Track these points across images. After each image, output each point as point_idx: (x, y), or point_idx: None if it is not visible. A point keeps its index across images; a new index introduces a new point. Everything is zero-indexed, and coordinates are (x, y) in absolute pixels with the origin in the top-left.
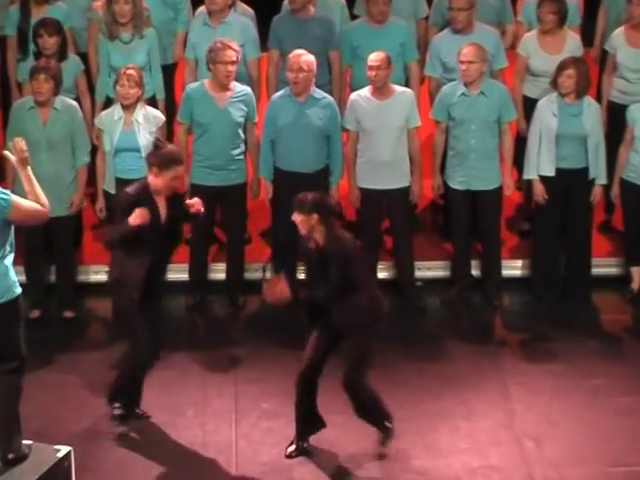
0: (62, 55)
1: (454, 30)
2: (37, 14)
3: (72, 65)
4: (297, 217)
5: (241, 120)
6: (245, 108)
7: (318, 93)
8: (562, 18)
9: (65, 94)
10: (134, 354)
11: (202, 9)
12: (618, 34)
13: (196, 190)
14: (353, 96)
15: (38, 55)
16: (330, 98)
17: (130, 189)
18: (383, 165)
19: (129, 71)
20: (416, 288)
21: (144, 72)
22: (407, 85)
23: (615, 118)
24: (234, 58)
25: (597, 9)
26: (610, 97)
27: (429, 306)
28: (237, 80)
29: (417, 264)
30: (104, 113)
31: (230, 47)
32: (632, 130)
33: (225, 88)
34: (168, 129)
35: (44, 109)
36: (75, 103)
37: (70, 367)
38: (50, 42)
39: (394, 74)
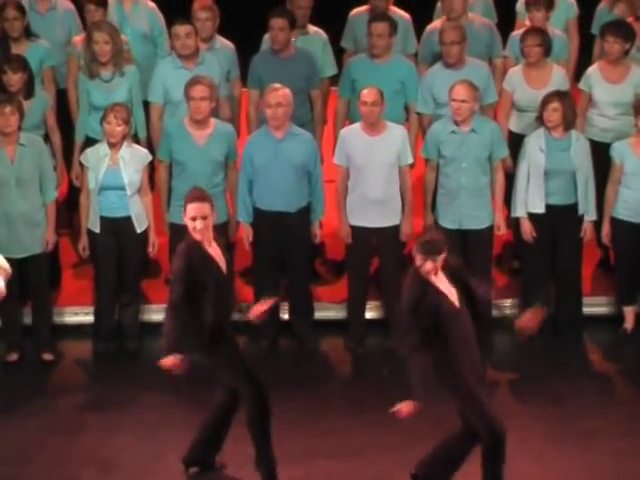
0: (29, 92)
1: (446, 64)
2: (17, 51)
3: (40, 101)
4: (430, 264)
5: (221, 158)
6: (225, 146)
7: (296, 129)
8: (546, 50)
9: (34, 131)
10: (249, 405)
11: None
12: (593, 71)
13: (175, 229)
14: (344, 131)
15: (4, 92)
16: (309, 134)
17: (183, 256)
18: (373, 202)
19: (116, 108)
20: None
21: None
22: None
23: (598, 157)
24: (204, 94)
25: (591, 44)
26: (591, 136)
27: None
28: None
29: None
30: (89, 150)
31: (201, 83)
32: (620, 167)
33: (203, 125)
34: (150, 166)
35: (10, 146)
36: (39, 137)
37: (49, 410)
38: (14, 79)
39: (393, 112)
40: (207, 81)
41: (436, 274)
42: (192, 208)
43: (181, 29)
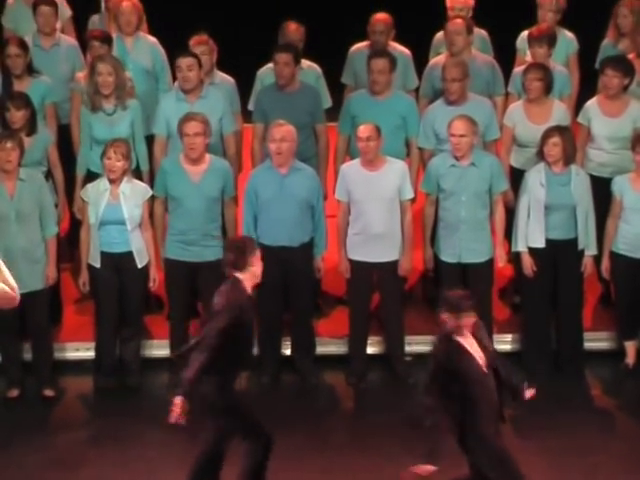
0: (31, 129)
1: (447, 101)
2: (19, 88)
3: (42, 138)
4: (469, 319)
5: (216, 194)
6: (221, 182)
7: (299, 164)
8: (547, 86)
9: (36, 167)
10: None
11: (176, 84)
12: (592, 105)
13: (170, 265)
14: (344, 167)
15: (7, 128)
16: (311, 169)
17: (234, 292)
18: (374, 237)
19: (116, 144)
20: (406, 363)
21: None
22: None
23: (596, 191)
24: (198, 130)
25: (593, 79)
26: (589, 170)
27: (419, 382)
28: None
29: (407, 338)
30: (90, 185)
31: (194, 119)
32: (620, 202)
33: (197, 161)
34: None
35: (10, 182)
36: (39, 173)
37: (49, 446)
38: (17, 115)
39: (394, 147)
40: (201, 117)
41: (461, 333)
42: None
43: (183, 61)
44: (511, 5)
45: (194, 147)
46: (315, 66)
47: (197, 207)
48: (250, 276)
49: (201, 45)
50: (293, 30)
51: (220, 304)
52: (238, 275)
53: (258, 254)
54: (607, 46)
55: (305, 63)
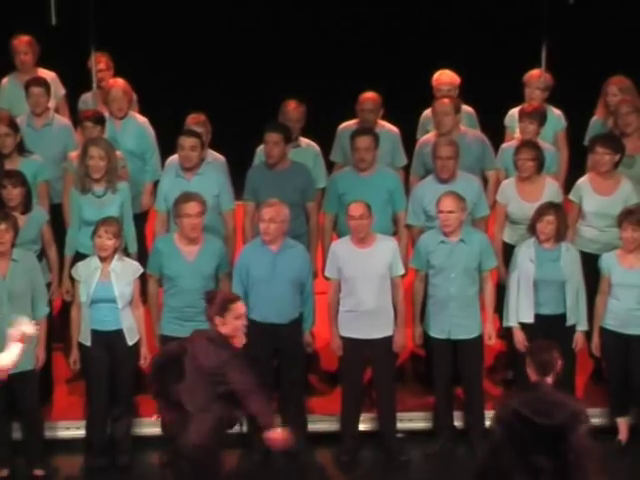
0: (26, 207)
1: (439, 179)
2: (9, 167)
3: (37, 216)
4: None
5: (211, 273)
6: (216, 260)
7: (289, 241)
8: (540, 164)
9: (30, 245)
10: None
11: (172, 159)
12: (583, 183)
13: (166, 342)
14: (334, 244)
15: (2, 206)
16: (301, 246)
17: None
18: (366, 314)
19: (107, 222)
20: (398, 440)
21: None
22: (395, 234)
23: (586, 267)
24: (199, 210)
25: (581, 156)
26: (579, 246)
27: (412, 459)
28: (209, 231)
29: (398, 415)
30: (81, 263)
31: (194, 199)
32: (608, 278)
33: (193, 241)
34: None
35: (2, 262)
36: (32, 253)
37: None
38: (14, 193)
39: (381, 222)
40: (199, 197)
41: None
42: (241, 307)
43: (187, 141)
44: (498, 83)
45: (196, 227)
46: (314, 144)
47: (192, 286)
48: (232, 329)
49: (198, 124)
50: (292, 108)
51: (217, 359)
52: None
53: (239, 310)
54: (596, 123)
55: (304, 141)
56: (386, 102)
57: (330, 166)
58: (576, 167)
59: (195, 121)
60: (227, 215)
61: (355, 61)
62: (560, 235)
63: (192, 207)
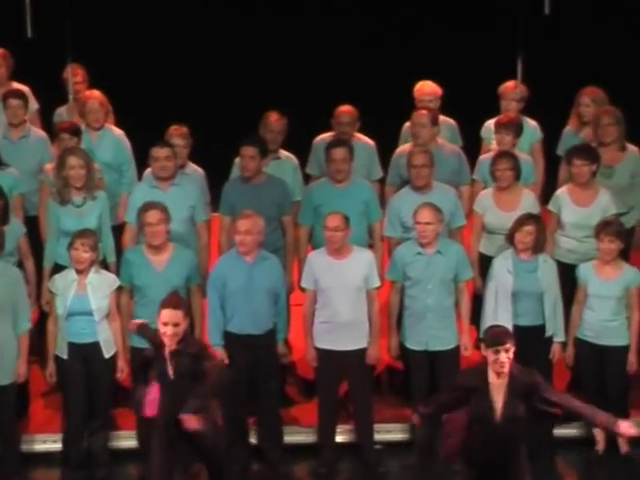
0: (4, 219)
1: (414, 188)
2: None
3: (14, 228)
4: (506, 355)
5: (181, 283)
6: (186, 271)
7: (265, 253)
8: (517, 175)
9: (7, 258)
10: None
11: (150, 171)
12: (562, 194)
13: (136, 353)
14: (311, 255)
15: None
16: (275, 257)
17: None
18: (341, 326)
19: (83, 234)
20: (376, 452)
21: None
22: (371, 245)
23: (563, 278)
24: (159, 217)
25: (555, 166)
26: (557, 256)
27: (390, 471)
28: (182, 242)
29: (376, 427)
30: (58, 276)
31: (155, 207)
32: (585, 289)
33: (160, 250)
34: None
35: None
36: (15, 267)
37: None
38: None
39: (357, 233)
40: (160, 205)
41: (507, 368)
42: (165, 314)
43: (161, 152)
44: (473, 95)
45: (157, 235)
46: (293, 157)
47: (161, 296)
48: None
49: (182, 137)
50: (275, 120)
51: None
52: None
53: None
54: (569, 134)
55: (283, 154)
56: (362, 115)
57: (307, 179)
58: (551, 177)
59: (177, 133)
60: (200, 227)
61: (331, 74)
62: (538, 246)
63: (153, 215)
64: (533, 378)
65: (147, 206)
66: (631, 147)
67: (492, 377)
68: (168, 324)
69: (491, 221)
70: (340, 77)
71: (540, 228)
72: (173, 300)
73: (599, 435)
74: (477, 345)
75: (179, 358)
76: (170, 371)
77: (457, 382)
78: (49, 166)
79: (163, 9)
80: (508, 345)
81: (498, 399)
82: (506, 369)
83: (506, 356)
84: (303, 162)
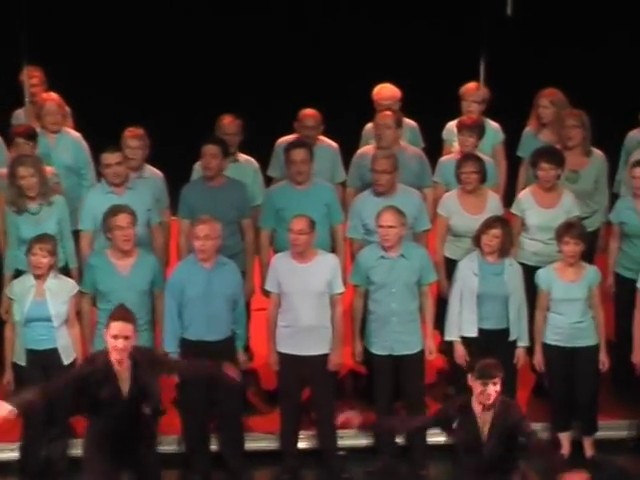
0: None
1: (376, 192)
2: None
3: None
4: (494, 387)
5: (146, 287)
6: (150, 274)
7: (222, 258)
8: (483, 177)
9: None
10: None
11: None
12: (525, 196)
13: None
14: (275, 258)
15: None
16: (233, 263)
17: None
18: (304, 330)
19: (42, 239)
20: (339, 458)
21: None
22: (333, 248)
23: (527, 280)
24: (129, 220)
25: (515, 168)
26: (521, 259)
27: (354, 477)
28: (141, 245)
29: (340, 432)
30: (15, 281)
31: (124, 211)
32: (547, 294)
33: (126, 254)
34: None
35: None
36: None
37: None
38: None
39: (319, 236)
40: (128, 209)
41: (492, 401)
42: (115, 326)
43: (112, 157)
44: (434, 96)
45: (128, 239)
46: (252, 160)
47: (127, 300)
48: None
49: (137, 139)
50: (228, 122)
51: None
52: None
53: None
54: (528, 135)
55: (242, 157)
56: (324, 118)
57: (268, 182)
58: (511, 178)
59: (132, 134)
60: (155, 229)
61: (292, 76)
62: (504, 249)
63: (122, 219)
64: (516, 417)
65: (115, 210)
66: (596, 151)
67: (477, 407)
68: (118, 337)
69: (458, 224)
70: (302, 79)
71: (507, 231)
72: (122, 313)
73: (564, 440)
74: (440, 349)
75: (137, 371)
76: (124, 389)
77: (440, 411)
78: (3, 171)
79: (120, 12)
80: (497, 379)
81: (484, 430)
82: (492, 401)
83: (494, 389)
84: (266, 165)
